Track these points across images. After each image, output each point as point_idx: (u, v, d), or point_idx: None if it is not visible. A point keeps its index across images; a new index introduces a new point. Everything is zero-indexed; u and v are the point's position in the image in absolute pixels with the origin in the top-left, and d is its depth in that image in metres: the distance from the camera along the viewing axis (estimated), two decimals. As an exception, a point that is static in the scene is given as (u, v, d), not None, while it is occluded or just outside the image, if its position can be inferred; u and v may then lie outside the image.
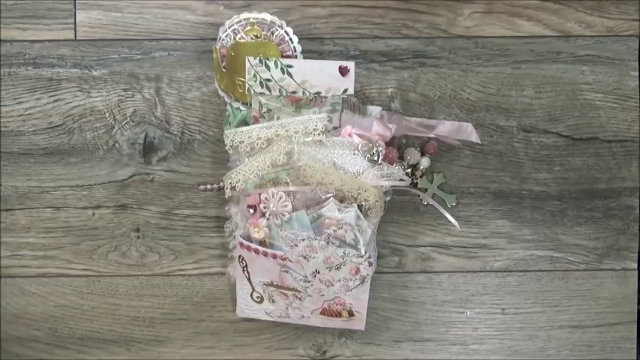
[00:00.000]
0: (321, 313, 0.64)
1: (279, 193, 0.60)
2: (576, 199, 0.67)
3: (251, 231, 0.61)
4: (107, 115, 0.66)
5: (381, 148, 0.61)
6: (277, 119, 0.61)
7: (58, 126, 0.66)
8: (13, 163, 0.66)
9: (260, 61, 0.61)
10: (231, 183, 0.61)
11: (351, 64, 0.62)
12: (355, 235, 0.59)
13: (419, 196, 0.66)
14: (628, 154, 0.67)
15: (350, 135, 0.61)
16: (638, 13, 0.66)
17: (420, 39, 0.66)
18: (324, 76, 0.61)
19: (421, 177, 0.66)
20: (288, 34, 0.63)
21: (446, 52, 0.66)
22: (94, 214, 0.67)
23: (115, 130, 0.66)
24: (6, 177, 0.66)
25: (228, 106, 0.64)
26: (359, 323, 0.65)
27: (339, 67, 0.61)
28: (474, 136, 0.63)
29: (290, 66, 0.61)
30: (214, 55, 0.63)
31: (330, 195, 0.60)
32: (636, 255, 0.68)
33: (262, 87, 0.62)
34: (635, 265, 0.68)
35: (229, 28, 0.63)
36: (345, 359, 0.68)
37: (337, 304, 0.63)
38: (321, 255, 0.60)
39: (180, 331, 0.68)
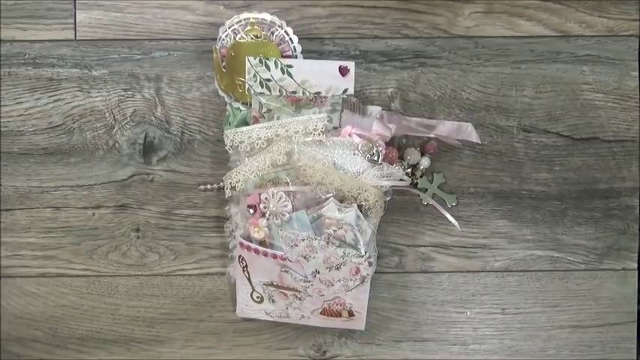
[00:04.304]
0: (321, 313, 0.64)
1: (279, 193, 0.60)
2: (576, 199, 0.67)
3: (251, 231, 0.61)
4: (107, 115, 0.66)
5: (381, 148, 0.61)
6: (277, 119, 0.61)
7: (58, 126, 0.66)
8: (13, 163, 0.66)
9: (260, 61, 0.61)
10: (231, 183, 0.61)
11: (351, 64, 0.62)
12: (355, 235, 0.59)
13: (419, 196, 0.66)
14: (628, 154, 0.67)
15: (350, 135, 0.61)
16: (638, 13, 0.66)
17: (420, 39, 0.66)
18: (324, 76, 0.61)
19: (421, 177, 0.66)
20: (288, 34, 0.62)
21: (446, 52, 0.66)
22: (94, 214, 0.67)
23: (115, 130, 0.66)
24: (6, 177, 0.66)
25: (228, 106, 0.64)
26: (359, 323, 0.65)
27: (339, 67, 0.61)
28: (474, 136, 0.63)
29: (290, 66, 0.61)
30: (214, 55, 0.63)
31: (330, 195, 0.60)
32: (636, 255, 0.68)
33: (262, 87, 0.62)
34: (635, 265, 0.68)
35: (229, 28, 0.63)
36: (345, 359, 0.68)
37: (337, 304, 0.63)
38: (321, 255, 0.60)
39: (180, 331, 0.68)
